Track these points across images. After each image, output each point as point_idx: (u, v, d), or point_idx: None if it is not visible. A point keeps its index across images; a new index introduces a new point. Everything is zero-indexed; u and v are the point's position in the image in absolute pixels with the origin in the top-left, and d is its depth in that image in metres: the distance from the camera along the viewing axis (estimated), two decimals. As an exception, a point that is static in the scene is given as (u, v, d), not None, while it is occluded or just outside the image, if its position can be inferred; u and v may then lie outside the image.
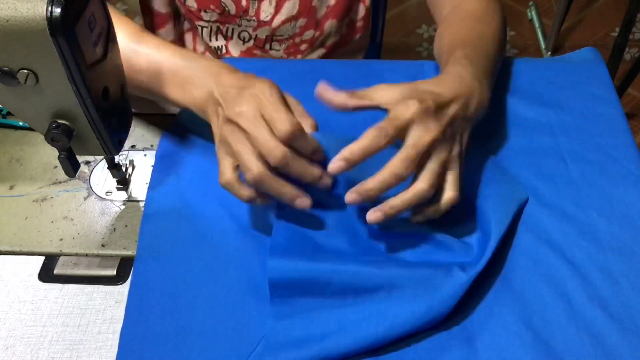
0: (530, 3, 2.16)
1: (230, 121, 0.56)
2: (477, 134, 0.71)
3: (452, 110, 0.58)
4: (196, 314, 0.56)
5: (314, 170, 0.55)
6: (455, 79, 0.61)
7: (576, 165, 0.67)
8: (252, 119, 0.55)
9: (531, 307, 0.57)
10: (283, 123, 0.54)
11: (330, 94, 0.58)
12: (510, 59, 0.80)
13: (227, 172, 0.57)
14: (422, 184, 0.55)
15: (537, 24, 2.11)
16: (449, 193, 0.57)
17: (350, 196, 0.55)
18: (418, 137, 0.55)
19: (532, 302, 0.57)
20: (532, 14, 2.14)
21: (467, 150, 0.60)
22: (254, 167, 0.54)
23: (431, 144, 0.55)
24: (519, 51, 2.04)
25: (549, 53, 2.00)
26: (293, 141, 0.54)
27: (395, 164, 0.54)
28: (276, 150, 0.53)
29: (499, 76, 0.75)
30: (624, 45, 1.56)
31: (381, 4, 1.04)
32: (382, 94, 0.58)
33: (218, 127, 0.58)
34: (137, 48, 0.66)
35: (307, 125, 0.58)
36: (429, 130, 0.55)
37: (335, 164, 0.54)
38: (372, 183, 0.54)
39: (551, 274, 0.59)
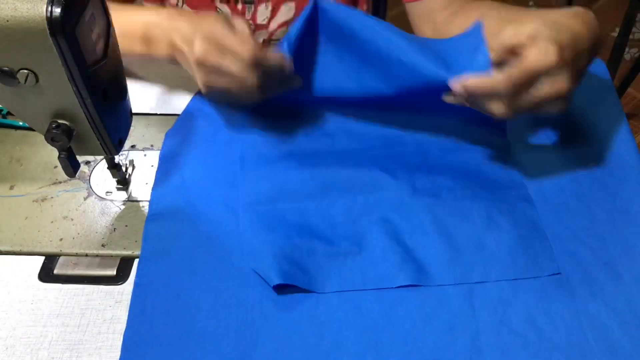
0: (530, 3, 2.16)
1: (200, 64, 0.62)
2: (478, 131, 0.71)
3: (580, 45, 0.56)
4: (200, 315, 0.56)
5: (275, 59, 0.62)
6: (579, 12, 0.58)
7: (579, 161, 0.68)
8: (217, 54, 0.61)
9: (535, 304, 0.57)
10: (243, 50, 0.60)
11: (469, 80, 0.56)
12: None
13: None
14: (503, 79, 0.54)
15: (537, 24, 2.10)
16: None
17: (456, 86, 0.56)
18: (543, 86, 0.54)
19: (536, 299, 0.57)
20: (532, 14, 2.14)
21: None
22: (238, 71, 0.61)
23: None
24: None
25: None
26: (258, 61, 0.61)
27: (500, 80, 0.54)
28: (245, 52, 0.60)
29: None
30: (624, 45, 1.56)
31: (381, 4, 1.04)
32: (511, 33, 0.55)
33: (195, 73, 0.64)
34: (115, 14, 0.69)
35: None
36: (556, 82, 0.54)
37: (456, 85, 0.56)
38: (474, 83, 0.55)
39: (554, 270, 0.59)
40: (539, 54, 0.53)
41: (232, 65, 0.61)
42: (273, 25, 0.85)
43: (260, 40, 0.88)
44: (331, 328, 0.55)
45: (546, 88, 0.55)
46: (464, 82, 0.56)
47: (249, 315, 0.56)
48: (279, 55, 0.63)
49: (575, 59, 0.55)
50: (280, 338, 0.55)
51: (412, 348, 0.54)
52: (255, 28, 0.86)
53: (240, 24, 0.64)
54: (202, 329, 0.55)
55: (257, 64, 0.61)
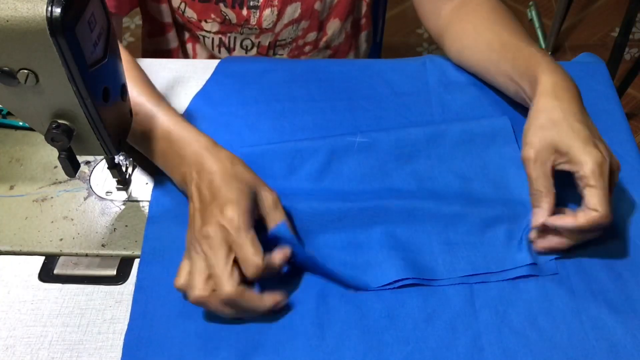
0: (530, 3, 2.16)
1: (198, 238, 0.55)
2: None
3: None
4: (201, 317, 0.56)
5: (263, 306, 0.55)
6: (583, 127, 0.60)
7: None
8: (216, 251, 0.54)
9: (536, 304, 0.57)
10: (251, 264, 0.53)
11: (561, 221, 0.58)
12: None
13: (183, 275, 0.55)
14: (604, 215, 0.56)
15: (537, 24, 2.11)
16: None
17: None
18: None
19: (537, 299, 0.57)
20: (532, 14, 2.14)
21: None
22: (200, 291, 0.53)
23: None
24: (519, 51, 2.04)
25: (549, 53, 2.00)
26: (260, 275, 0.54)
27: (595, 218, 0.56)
28: (227, 291, 0.52)
29: None
30: (624, 45, 1.56)
31: (381, 4, 1.04)
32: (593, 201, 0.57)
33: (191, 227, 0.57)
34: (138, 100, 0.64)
35: (278, 221, 0.58)
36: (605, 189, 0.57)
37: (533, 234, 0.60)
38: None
39: (555, 270, 0.59)
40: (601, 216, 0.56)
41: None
42: (279, 27, 0.85)
43: (267, 42, 0.87)
44: (333, 329, 0.55)
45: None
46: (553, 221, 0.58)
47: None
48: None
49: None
50: (282, 339, 0.55)
51: (413, 348, 0.54)
52: (261, 31, 0.85)
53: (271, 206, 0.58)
54: (203, 332, 0.55)
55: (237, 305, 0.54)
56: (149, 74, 0.70)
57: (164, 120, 0.62)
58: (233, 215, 0.54)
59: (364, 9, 0.92)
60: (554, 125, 0.59)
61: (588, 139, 0.58)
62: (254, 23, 0.84)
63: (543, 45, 2.03)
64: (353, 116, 0.72)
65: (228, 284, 0.52)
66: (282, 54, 0.89)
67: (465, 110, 0.73)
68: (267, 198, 0.58)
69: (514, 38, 0.70)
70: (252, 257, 0.53)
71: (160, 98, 0.66)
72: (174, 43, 0.91)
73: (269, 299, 0.55)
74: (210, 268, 0.54)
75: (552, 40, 1.99)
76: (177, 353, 0.54)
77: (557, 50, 2.03)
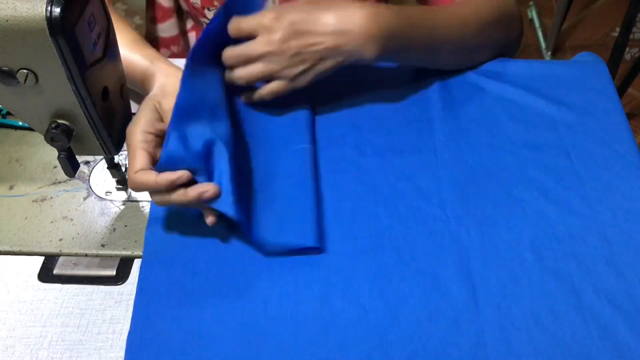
0: (530, 3, 2.16)
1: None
2: (483, 131, 0.71)
3: (311, 40, 0.63)
4: (204, 318, 0.56)
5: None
6: (354, 12, 0.64)
7: (580, 159, 0.68)
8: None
9: (539, 302, 0.57)
10: (130, 178, 0.57)
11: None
12: (511, 59, 0.80)
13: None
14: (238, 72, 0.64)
15: (537, 24, 2.11)
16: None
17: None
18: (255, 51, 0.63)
19: (540, 297, 0.57)
20: (532, 14, 2.14)
21: (321, 73, 0.65)
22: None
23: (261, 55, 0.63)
24: (519, 51, 2.04)
25: (549, 53, 2.00)
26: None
27: (225, 53, 0.64)
28: (130, 183, 0.58)
29: (502, 74, 0.76)
30: (624, 45, 1.56)
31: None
32: (253, 21, 0.64)
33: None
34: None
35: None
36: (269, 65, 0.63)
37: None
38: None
39: (558, 268, 0.59)
40: (258, 40, 0.63)
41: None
42: None
43: None
44: (336, 328, 0.55)
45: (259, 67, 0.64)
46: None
47: (253, 316, 0.56)
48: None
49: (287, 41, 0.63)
50: (286, 339, 0.55)
51: (417, 345, 0.54)
52: None
53: None
54: (207, 332, 0.55)
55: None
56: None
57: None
58: (131, 130, 0.59)
59: None
60: None
61: None
62: None
63: (543, 45, 2.03)
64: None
65: (133, 182, 0.57)
66: None
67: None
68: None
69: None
70: (131, 173, 0.57)
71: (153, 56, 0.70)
72: (173, 31, 0.91)
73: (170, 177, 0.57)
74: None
75: (552, 40, 1.98)
76: (180, 353, 0.54)
77: (557, 50, 2.03)
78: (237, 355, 0.54)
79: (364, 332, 0.55)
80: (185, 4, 0.87)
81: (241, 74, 0.65)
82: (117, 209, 0.65)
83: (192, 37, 0.93)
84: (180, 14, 0.91)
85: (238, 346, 0.54)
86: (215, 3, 0.84)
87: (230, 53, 0.65)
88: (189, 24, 0.92)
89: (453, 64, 0.76)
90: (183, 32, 0.93)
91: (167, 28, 0.90)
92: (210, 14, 0.85)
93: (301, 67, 0.64)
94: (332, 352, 0.54)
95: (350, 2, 0.65)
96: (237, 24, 0.64)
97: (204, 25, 0.88)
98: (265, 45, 0.63)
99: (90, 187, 0.67)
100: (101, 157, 0.68)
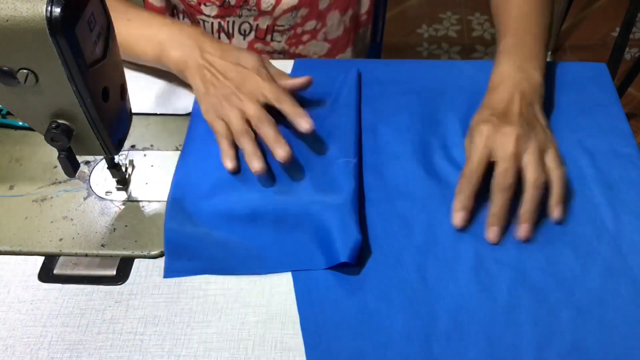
0: (531, 3, 2.16)
1: (224, 93, 0.67)
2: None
3: (515, 107, 0.66)
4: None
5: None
6: (501, 80, 0.69)
7: (579, 161, 0.68)
8: (249, 95, 0.67)
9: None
10: (273, 93, 0.66)
11: None
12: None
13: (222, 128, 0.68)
14: (532, 174, 0.61)
15: (537, 24, 2.10)
16: (555, 172, 0.62)
17: (493, 231, 0.61)
18: (502, 147, 0.62)
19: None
20: (532, 14, 2.14)
21: (547, 123, 0.68)
22: (241, 126, 0.66)
23: (516, 145, 0.61)
24: (519, 51, 2.04)
25: (549, 53, 2.00)
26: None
27: (499, 180, 0.61)
28: (269, 89, 0.66)
29: None
30: (624, 45, 1.56)
31: (381, 4, 1.04)
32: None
33: (206, 92, 0.69)
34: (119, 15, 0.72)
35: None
36: (506, 135, 0.62)
37: (457, 218, 0.62)
38: (495, 209, 0.61)
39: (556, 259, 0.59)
40: (473, 143, 0.65)
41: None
42: (277, 11, 0.85)
43: (265, 26, 0.88)
44: (380, 315, 0.56)
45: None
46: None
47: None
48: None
49: (503, 118, 0.65)
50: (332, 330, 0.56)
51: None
52: (259, 13, 0.86)
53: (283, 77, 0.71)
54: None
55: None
56: (148, 74, 0.71)
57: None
58: (252, 61, 0.69)
59: (365, 5, 0.92)
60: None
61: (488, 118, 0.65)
62: (253, 4, 0.84)
63: (543, 45, 2.03)
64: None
65: (269, 87, 0.67)
66: (280, 41, 0.90)
67: None
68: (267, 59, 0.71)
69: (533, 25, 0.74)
70: (269, 83, 0.67)
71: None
72: None
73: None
74: (247, 110, 0.66)
75: (552, 40, 1.99)
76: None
77: (557, 50, 2.03)
78: None
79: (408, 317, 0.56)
80: (180, 2, 0.87)
81: (533, 172, 0.62)
82: (117, 209, 0.65)
83: None
84: (173, 12, 0.91)
85: None
86: None
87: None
88: (184, 23, 0.92)
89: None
90: None
91: None
92: (206, 10, 0.86)
93: (539, 128, 0.66)
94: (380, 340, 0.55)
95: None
96: None
97: (201, 23, 0.88)
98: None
99: (91, 187, 0.67)
100: (101, 157, 0.68)
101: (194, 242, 0.61)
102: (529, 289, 0.58)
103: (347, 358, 0.54)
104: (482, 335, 0.55)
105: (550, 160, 0.63)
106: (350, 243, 0.59)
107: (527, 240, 0.61)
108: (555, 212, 0.61)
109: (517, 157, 0.61)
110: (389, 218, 0.63)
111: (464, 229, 0.62)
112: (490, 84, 0.71)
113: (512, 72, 0.69)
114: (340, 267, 0.59)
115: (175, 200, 0.64)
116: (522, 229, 0.61)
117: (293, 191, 0.65)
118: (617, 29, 1.59)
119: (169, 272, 0.60)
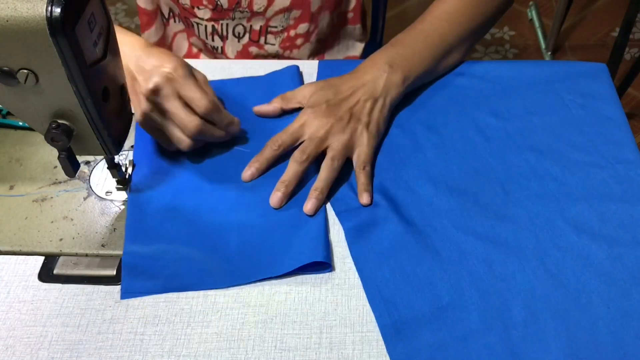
0: (530, 3, 2.16)
1: (150, 99, 0.64)
2: (481, 133, 0.71)
3: (351, 101, 0.69)
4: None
5: (221, 133, 0.68)
6: (365, 68, 0.73)
7: (579, 161, 0.68)
8: (171, 99, 0.64)
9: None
10: (201, 102, 0.64)
11: (264, 108, 0.74)
12: (511, 60, 0.80)
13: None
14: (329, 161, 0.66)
15: (537, 24, 2.11)
16: (333, 162, 0.66)
17: (276, 196, 0.64)
18: (313, 131, 0.67)
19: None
20: (532, 13, 2.14)
21: (383, 121, 0.71)
22: (181, 137, 0.66)
23: (325, 133, 0.67)
24: (519, 51, 2.04)
25: (549, 53, 2.00)
26: (210, 115, 0.65)
27: (296, 153, 0.66)
28: (192, 123, 0.64)
29: (500, 77, 0.77)
30: (624, 45, 1.56)
31: (381, 4, 1.04)
32: (301, 94, 0.73)
33: (139, 102, 0.65)
34: None
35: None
36: (321, 125, 0.67)
37: (247, 173, 0.67)
38: (284, 177, 0.65)
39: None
40: (299, 118, 0.69)
41: (178, 118, 0.64)
42: (270, 12, 0.85)
43: (258, 27, 0.88)
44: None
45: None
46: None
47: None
48: (230, 120, 0.68)
49: (331, 108, 0.68)
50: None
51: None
52: (252, 15, 0.86)
53: (200, 75, 0.68)
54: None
55: (201, 131, 0.65)
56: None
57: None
58: (175, 65, 0.64)
59: (352, 3, 0.92)
60: None
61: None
62: (245, 6, 0.84)
63: (543, 45, 2.03)
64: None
65: (194, 121, 0.64)
66: (274, 44, 0.89)
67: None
68: (199, 74, 0.67)
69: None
70: (200, 97, 0.64)
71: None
72: (154, 37, 0.92)
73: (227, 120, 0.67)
74: (175, 117, 0.64)
75: (552, 40, 1.98)
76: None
77: (557, 50, 2.03)
78: None
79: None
80: (175, 5, 0.87)
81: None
82: (117, 209, 0.65)
83: (182, 39, 0.93)
84: (163, 16, 0.91)
85: None
86: (204, 2, 0.83)
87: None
88: (178, 27, 0.92)
89: (465, 53, 0.80)
90: (171, 37, 0.93)
91: (149, 35, 0.91)
92: (200, 13, 0.85)
93: (363, 124, 0.69)
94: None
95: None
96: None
97: (195, 26, 0.88)
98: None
99: (91, 187, 0.67)
100: (101, 157, 0.68)
101: (152, 262, 0.60)
102: (595, 274, 0.58)
103: (429, 352, 0.54)
104: (559, 321, 0.55)
105: (356, 158, 0.67)
106: (321, 242, 0.60)
107: (582, 226, 0.62)
108: (308, 205, 0.64)
109: (322, 141, 0.66)
110: (446, 212, 0.64)
111: (248, 181, 0.67)
112: (359, 65, 0.74)
113: (380, 64, 0.72)
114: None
115: (134, 220, 0.63)
116: (310, 205, 0.64)
117: (255, 202, 0.65)
118: (617, 29, 1.59)
119: (126, 293, 0.58)
